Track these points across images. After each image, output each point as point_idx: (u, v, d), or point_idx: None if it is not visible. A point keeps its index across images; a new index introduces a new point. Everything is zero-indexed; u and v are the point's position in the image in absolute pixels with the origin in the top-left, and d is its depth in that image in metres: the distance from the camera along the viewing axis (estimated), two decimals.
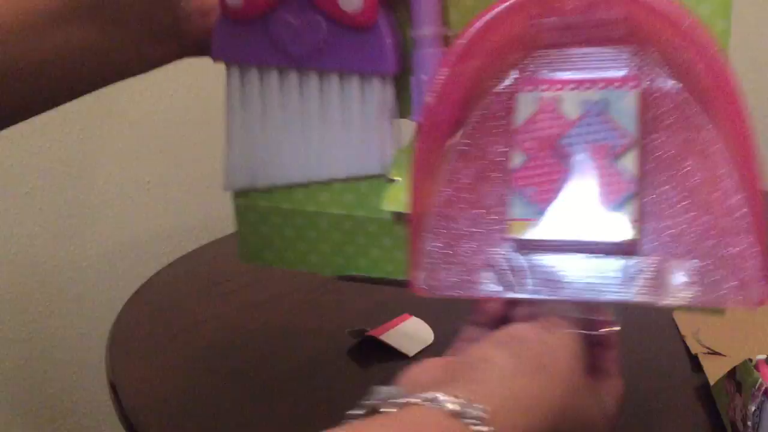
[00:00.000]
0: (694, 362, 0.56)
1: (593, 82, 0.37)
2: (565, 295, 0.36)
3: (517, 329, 0.35)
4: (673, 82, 0.37)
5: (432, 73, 0.40)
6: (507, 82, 0.39)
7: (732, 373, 0.48)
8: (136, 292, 0.73)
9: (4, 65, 0.40)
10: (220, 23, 0.44)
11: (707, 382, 0.53)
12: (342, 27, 0.41)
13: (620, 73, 0.37)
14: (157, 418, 0.53)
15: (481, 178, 0.39)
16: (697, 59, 0.35)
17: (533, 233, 0.36)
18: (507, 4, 0.37)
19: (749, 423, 0.47)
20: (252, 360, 0.59)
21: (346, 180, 0.45)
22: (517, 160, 0.37)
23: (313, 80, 0.43)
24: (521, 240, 0.37)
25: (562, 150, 0.36)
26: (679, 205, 0.36)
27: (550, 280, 0.37)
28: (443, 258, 0.38)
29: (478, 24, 0.37)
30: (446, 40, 0.41)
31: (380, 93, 0.43)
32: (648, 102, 0.37)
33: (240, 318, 0.67)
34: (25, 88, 0.42)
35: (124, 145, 0.95)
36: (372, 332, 0.62)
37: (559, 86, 0.37)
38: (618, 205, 0.35)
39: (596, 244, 0.36)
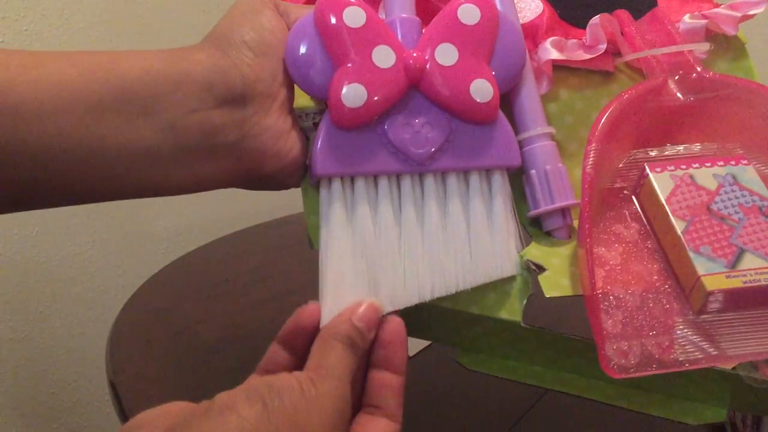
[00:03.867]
0: None
1: (712, 162, 0.43)
2: (762, 350, 0.38)
3: (281, 378, 0.32)
4: (759, 164, 0.43)
5: (552, 165, 0.42)
6: (623, 165, 0.44)
7: None
8: (136, 292, 0.73)
9: (26, 147, 0.33)
10: (325, 134, 0.39)
11: None
12: (465, 122, 0.40)
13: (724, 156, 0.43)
14: None
15: (626, 258, 0.41)
16: None
17: (731, 283, 0.38)
18: (628, 94, 0.43)
19: (749, 423, 0.47)
20: (252, 360, 0.59)
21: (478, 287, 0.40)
22: (678, 226, 0.40)
23: (429, 183, 0.40)
24: (713, 292, 0.38)
25: (717, 213, 0.41)
26: None
27: (738, 338, 0.38)
28: (622, 336, 0.39)
29: (611, 109, 0.42)
30: (550, 136, 0.43)
31: (502, 188, 0.40)
32: None
33: (240, 318, 0.67)
34: (49, 177, 0.35)
35: None
36: None
37: (684, 166, 0.42)
38: None
39: None
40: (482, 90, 0.39)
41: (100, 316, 0.95)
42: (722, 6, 0.48)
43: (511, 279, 0.40)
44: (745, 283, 0.38)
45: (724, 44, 0.48)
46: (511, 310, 0.40)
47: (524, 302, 0.40)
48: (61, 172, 0.35)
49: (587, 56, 0.45)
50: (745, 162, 0.42)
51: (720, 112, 0.44)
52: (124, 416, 0.54)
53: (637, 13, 0.48)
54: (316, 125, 0.40)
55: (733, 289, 0.38)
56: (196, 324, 0.66)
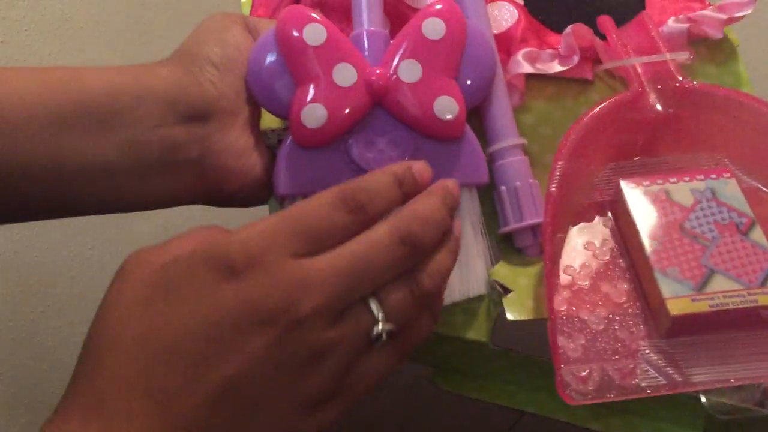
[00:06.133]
0: None
1: (691, 176, 0.40)
2: (731, 377, 0.35)
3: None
4: (746, 176, 0.42)
5: (523, 181, 0.40)
6: (600, 179, 0.42)
7: None
8: None
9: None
10: (288, 153, 0.38)
11: None
12: (430, 140, 0.38)
13: (705, 170, 0.41)
14: None
15: (596, 278, 0.39)
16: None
17: (696, 307, 0.36)
18: (600, 107, 0.41)
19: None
20: None
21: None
22: (648, 246, 0.38)
23: None
24: (677, 317, 0.36)
25: (690, 231, 0.38)
26: None
27: (704, 364, 0.36)
28: (583, 360, 0.37)
29: (582, 123, 0.40)
30: (522, 149, 0.41)
31: (470, 206, 0.39)
32: None
33: None
34: (18, 192, 0.35)
35: None
36: None
37: (661, 180, 0.40)
38: (765, 275, 0.37)
39: (753, 314, 0.36)
40: (447, 107, 0.38)
41: None
42: (710, 8, 0.45)
43: (479, 299, 0.39)
44: (711, 307, 0.36)
45: (714, 47, 0.46)
46: (479, 331, 0.39)
47: (492, 322, 0.39)
48: (19, 187, 0.34)
49: (560, 68, 0.43)
50: (728, 175, 0.40)
51: (703, 124, 0.42)
52: None
53: (625, 17, 0.46)
54: (281, 142, 0.40)
55: (698, 314, 0.36)
56: None
